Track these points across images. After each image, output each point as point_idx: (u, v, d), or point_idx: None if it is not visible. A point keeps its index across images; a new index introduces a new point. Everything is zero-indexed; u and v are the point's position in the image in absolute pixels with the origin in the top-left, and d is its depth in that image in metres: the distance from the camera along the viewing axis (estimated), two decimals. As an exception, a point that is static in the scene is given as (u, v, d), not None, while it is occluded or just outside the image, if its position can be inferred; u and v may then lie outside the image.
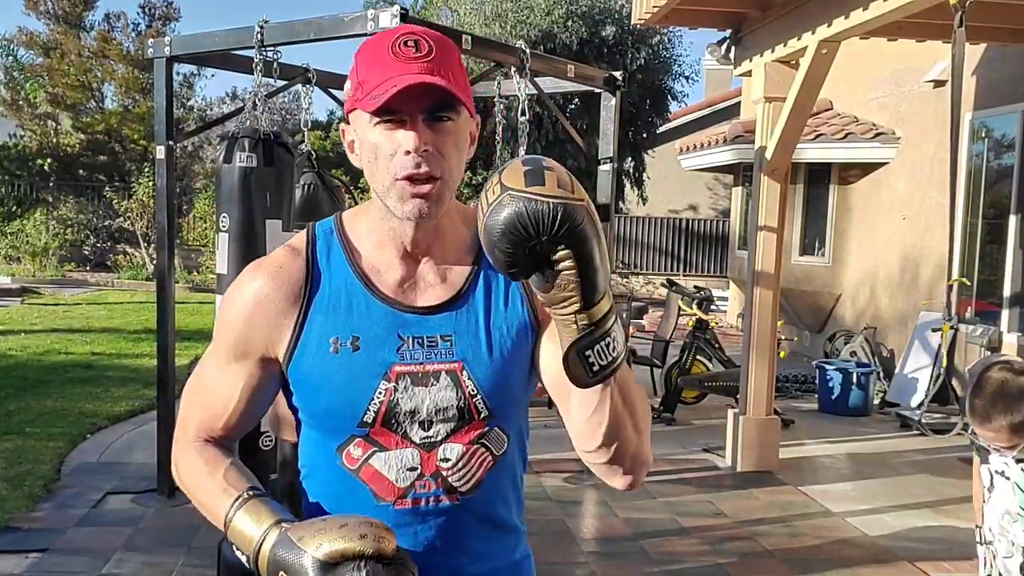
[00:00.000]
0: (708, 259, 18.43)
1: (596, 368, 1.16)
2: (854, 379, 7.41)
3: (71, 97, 18.50)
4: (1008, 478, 2.40)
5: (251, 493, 1.28)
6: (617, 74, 5.74)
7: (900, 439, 6.76)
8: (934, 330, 7.29)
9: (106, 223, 17.66)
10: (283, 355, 1.32)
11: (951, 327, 6.98)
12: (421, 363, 1.29)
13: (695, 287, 9.11)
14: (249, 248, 4.08)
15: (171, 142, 4.90)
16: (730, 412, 6.02)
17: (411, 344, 1.30)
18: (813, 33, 5.12)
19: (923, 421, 6.90)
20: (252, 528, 1.23)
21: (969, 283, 7.50)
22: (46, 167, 18.08)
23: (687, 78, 17.85)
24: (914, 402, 7.36)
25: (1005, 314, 7.07)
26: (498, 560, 1.38)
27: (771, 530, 4.75)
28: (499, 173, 1.14)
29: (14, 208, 17.61)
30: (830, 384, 7.50)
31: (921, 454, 6.34)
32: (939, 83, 7.91)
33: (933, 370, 7.27)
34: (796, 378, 8.61)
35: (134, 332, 10.40)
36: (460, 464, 1.31)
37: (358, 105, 1.25)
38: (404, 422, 1.29)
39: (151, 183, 14.00)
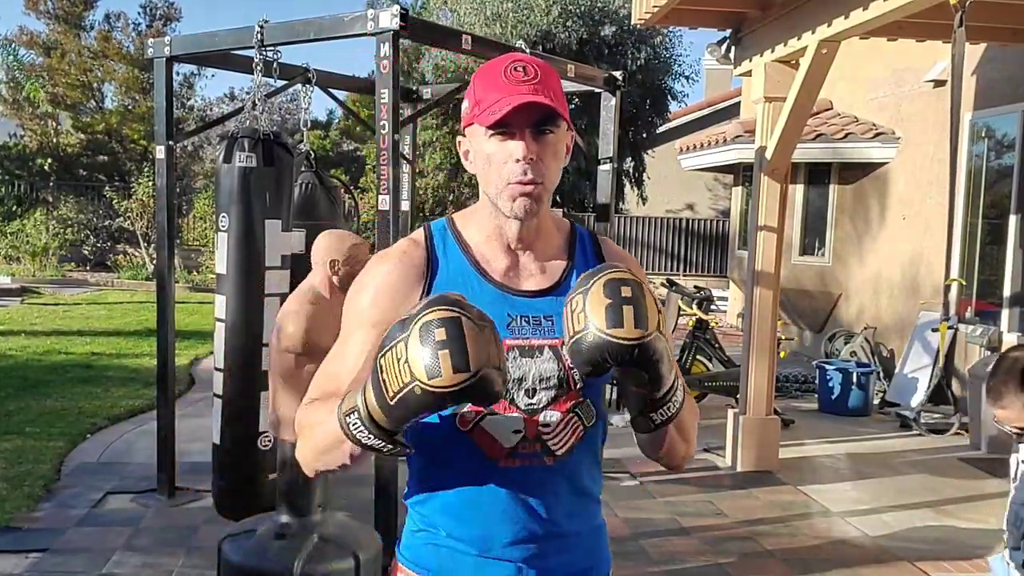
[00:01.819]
0: (708, 259, 18.43)
1: (658, 422, 1.40)
2: (854, 379, 7.40)
3: (71, 97, 18.50)
4: None
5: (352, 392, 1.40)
6: (617, 74, 5.74)
7: (900, 439, 6.76)
8: (934, 330, 7.29)
9: (106, 223, 17.66)
10: None
11: (949, 327, 6.98)
12: (527, 338, 1.48)
13: (695, 287, 9.10)
14: (248, 248, 4.09)
15: (171, 142, 4.90)
16: (730, 412, 6.02)
17: (519, 322, 1.49)
18: (813, 33, 5.12)
19: (922, 421, 6.90)
20: (356, 393, 1.31)
21: (966, 283, 7.50)
22: (46, 167, 18.08)
23: (687, 78, 17.85)
24: (914, 402, 7.36)
25: (1005, 314, 7.06)
26: (584, 523, 1.56)
27: (771, 530, 4.75)
28: (583, 295, 1.32)
29: (14, 208, 17.61)
30: (830, 384, 7.50)
31: (921, 454, 6.34)
32: (939, 83, 7.91)
33: (933, 370, 7.28)
34: (796, 378, 8.61)
35: (134, 332, 10.40)
36: (558, 430, 1.48)
37: (476, 120, 1.47)
38: (512, 389, 1.46)
39: (151, 183, 14.01)
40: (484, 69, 1.50)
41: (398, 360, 1.23)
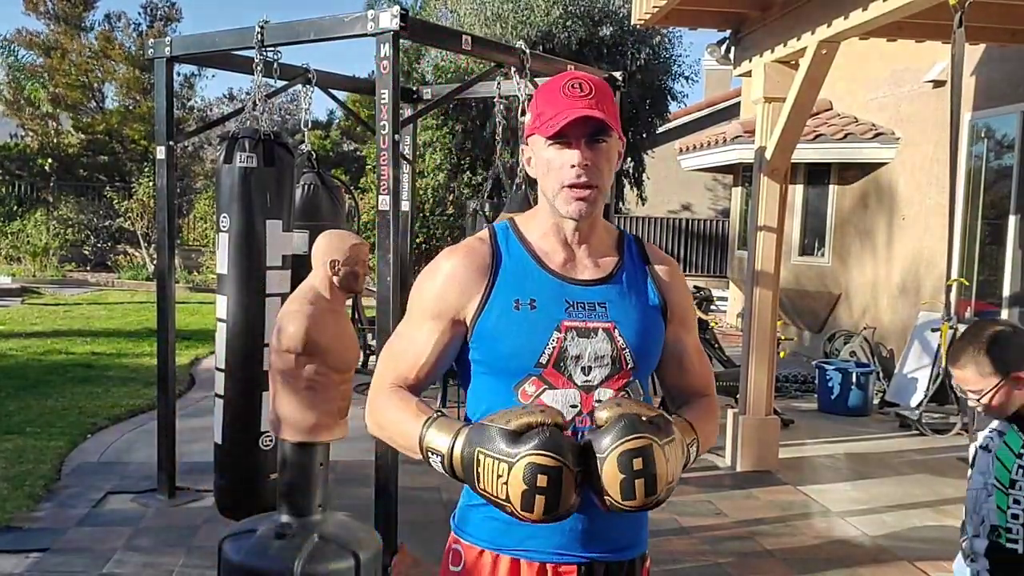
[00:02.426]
0: (708, 259, 18.44)
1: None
2: (854, 379, 7.41)
3: (72, 97, 18.51)
4: (990, 451, 2.40)
5: (440, 413, 1.61)
6: (617, 74, 5.74)
7: (900, 439, 6.76)
8: (933, 330, 7.29)
9: (106, 223, 17.66)
10: (471, 316, 1.66)
11: (950, 327, 6.98)
12: (584, 320, 1.65)
13: (695, 287, 9.12)
14: (249, 248, 4.09)
15: (171, 142, 4.91)
16: (730, 412, 6.02)
17: (576, 307, 1.66)
18: (813, 33, 5.12)
19: (922, 421, 6.90)
20: (444, 436, 1.55)
21: (968, 283, 7.51)
22: (47, 167, 18.09)
23: (687, 78, 17.82)
24: (914, 402, 7.36)
25: (1005, 314, 7.07)
26: (631, 550, 1.72)
27: (771, 530, 4.76)
28: (601, 464, 1.49)
29: (15, 208, 17.62)
30: (830, 384, 7.50)
31: (921, 454, 6.34)
32: (939, 83, 7.91)
33: (932, 370, 7.28)
34: (796, 378, 8.61)
35: (134, 332, 10.40)
36: None
37: (537, 131, 1.65)
38: (570, 366, 1.63)
39: (151, 183, 14.01)
40: (546, 86, 1.70)
41: (499, 477, 1.46)
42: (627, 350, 1.66)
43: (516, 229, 1.75)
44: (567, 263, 1.70)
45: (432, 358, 1.71)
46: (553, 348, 1.62)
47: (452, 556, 1.73)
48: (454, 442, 1.52)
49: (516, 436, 1.45)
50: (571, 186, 1.62)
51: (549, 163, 1.64)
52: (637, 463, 1.46)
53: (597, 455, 1.48)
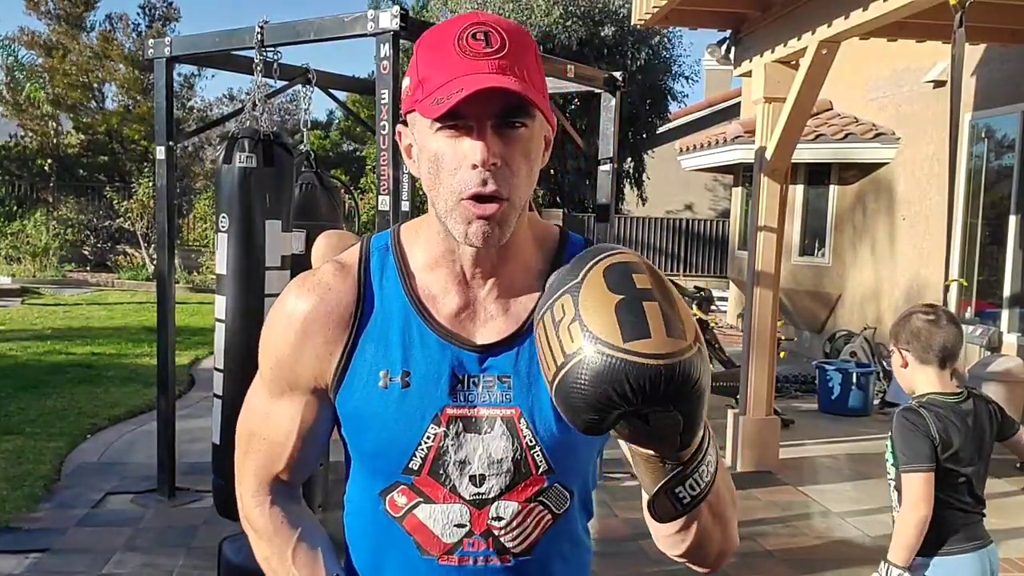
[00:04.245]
0: (708, 259, 18.43)
1: (687, 501, 1.01)
2: (854, 379, 7.41)
3: (72, 97, 18.49)
4: None
5: None
6: (617, 74, 5.73)
7: (900, 439, 6.75)
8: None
9: (106, 223, 17.65)
10: (330, 385, 1.18)
11: (951, 327, 6.96)
12: (475, 406, 1.14)
13: (695, 287, 9.11)
14: (249, 248, 4.08)
15: (171, 142, 4.91)
16: (730, 412, 6.02)
17: (466, 384, 1.14)
18: (813, 33, 5.12)
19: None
20: None
21: (967, 283, 7.50)
22: (47, 167, 18.08)
23: (687, 78, 17.89)
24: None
25: (1005, 314, 7.07)
26: None
27: (771, 530, 4.76)
28: (572, 294, 0.95)
29: (15, 208, 17.61)
30: (830, 384, 7.50)
31: (921, 454, 6.33)
32: (939, 83, 7.91)
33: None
34: (796, 378, 8.61)
35: (134, 332, 10.40)
36: (514, 524, 1.16)
37: (417, 107, 1.09)
38: (453, 474, 1.14)
39: (151, 183, 13.99)
40: (431, 34, 1.10)
41: None
42: (536, 449, 1.14)
43: (399, 251, 1.20)
44: (461, 312, 1.16)
45: (300, 443, 1.23)
46: (428, 449, 1.13)
47: None
48: None
49: None
50: (471, 198, 1.06)
51: (438, 160, 1.08)
52: (640, 280, 0.95)
53: (562, 292, 0.97)
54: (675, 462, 0.99)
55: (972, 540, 2.46)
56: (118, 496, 4.93)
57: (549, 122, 1.13)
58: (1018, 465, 6.07)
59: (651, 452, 0.99)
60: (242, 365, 4.10)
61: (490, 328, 1.16)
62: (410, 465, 1.14)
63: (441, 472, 1.14)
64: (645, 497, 1.04)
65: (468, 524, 1.15)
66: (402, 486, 1.16)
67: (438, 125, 1.06)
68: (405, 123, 1.16)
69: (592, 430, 0.96)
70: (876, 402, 7.70)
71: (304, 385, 1.20)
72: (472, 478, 1.14)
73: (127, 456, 5.71)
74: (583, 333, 0.91)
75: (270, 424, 1.24)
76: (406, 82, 1.13)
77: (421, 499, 1.16)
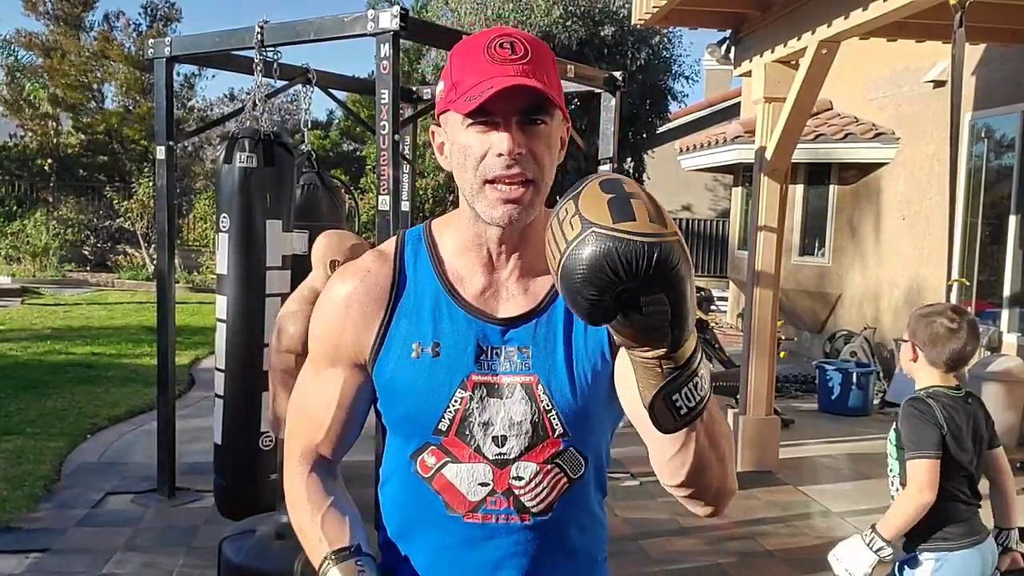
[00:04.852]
0: (708, 259, 18.43)
1: (684, 412, 1.09)
2: (854, 379, 7.41)
3: (71, 97, 18.49)
4: None
5: (335, 557, 1.30)
6: (617, 74, 5.74)
7: (900, 439, 6.75)
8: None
9: (106, 223, 17.65)
10: (368, 359, 1.33)
11: (951, 327, 6.96)
12: (497, 374, 1.28)
13: (695, 287, 9.10)
14: (249, 248, 4.09)
15: (171, 142, 4.91)
16: (730, 412, 6.02)
17: (490, 354, 1.29)
18: (813, 33, 5.12)
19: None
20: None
21: (968, 283, 7.50)
22: (46, 167, 18.08)
23: (687, 78, 17.82)
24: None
25: (1005, 314, 7.07)
26: None
27: (771, 530, 4.76)
28: (574, 199, 1.05)
29: (15, 208, 17.61)
30: (830, 384, 7.50)
31: (921, 454, 6.33)
32: (939, 83, 7.91)
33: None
34: (796, 378, 8.61)
35: (134, 332, 10.40)
36: (533, 483, 1.29)
37: (451, 106, 1.24)
38: (477, 435, 1.27)
39: (151, 183, 14.00)
40: (463, 44, 1.28)
41: None
42: (553, 412, 1.27)
43: (430, 240, 1.36)
44: (486, 291, 1.31)
45: (341, 415, 1.36)
46: (455, 412, 1.27)
47: None
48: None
49: None
50: (496, 180, 1.22)
51: (467, 150, 1.23)
52: (629, 186, 1.05)
53: (567, 199, 1.06)
54: (671, 364, 1.06)
55: (973, 534, 2.51)
56: (118, 496, 4.93)
57: (566, 122, 1.29)
58: (1018, 465, 6.08)
59: (648, 353, 1.06)
60: (243, 365, 4.11)
61: (511, 305, 1.31)
62: (439, 426, 1.29)
63: (467, 433, 1.28)
64: (646, 417, 1.12)
65: (491, 483, 1.28)
66: (432, 447, 1.30)
67: (469, 121, 1.22)
68: (438, 124, 1.32)
69: (595, 314, 1.04)
70: (876, 402, 7.70)
71: (345, 359, 1.34)
72: (495, 439, 1.27)
73: (127, 456, 5.71)
74: (581, 222, 1.02)
75: (314, 397, 1.38)
76: (440, 86, 1.29)
77: (448, 459, 1.29)
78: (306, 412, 1.40)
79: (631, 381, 1.13)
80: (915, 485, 2.42)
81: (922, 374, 2.58)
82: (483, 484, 1.28)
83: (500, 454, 1.28)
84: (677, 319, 1.04)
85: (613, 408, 1.33)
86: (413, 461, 1.31)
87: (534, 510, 1.29)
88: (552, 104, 1.23)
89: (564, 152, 1.30)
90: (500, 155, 1.21)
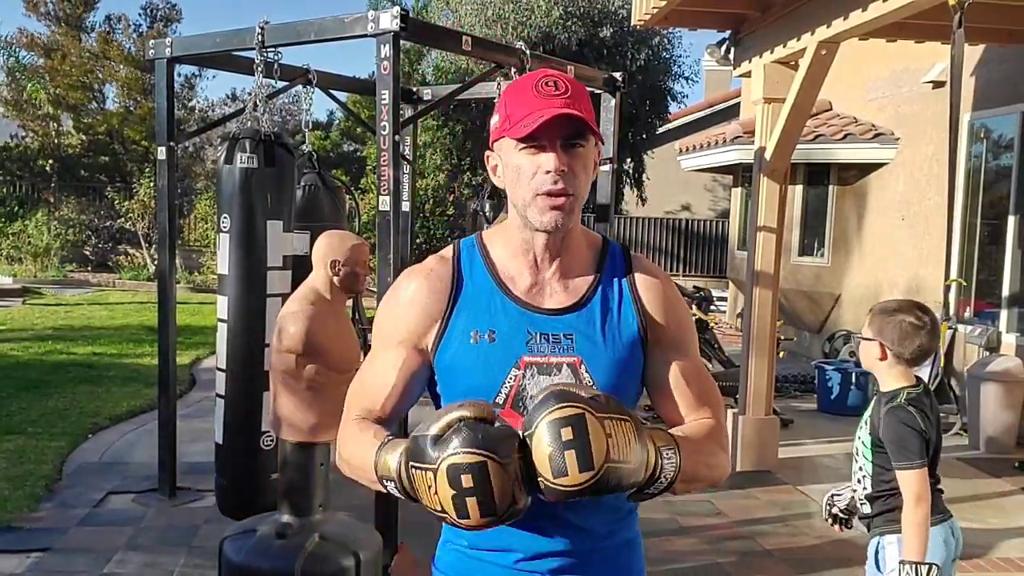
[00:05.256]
0: (707, 259, 18.43)
1: (655, 494, 1.44)
2: (853, 379, 7.42)
3: (72, 98, 18.50)
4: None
5: (390, 438, 1.46)
6: (617, 75, 5.75)
7: (899, 439, 6.76)
8: (933, 330, 7.29)
9: (107, 224, 17.68)
10: (431, 345, 1.54)
11: (949, 327, 6.99)
12: (546, 356, 1.51)
13: (694, 287, 9.12)
14: (250, 249, 4.10)
15: (172, 143, 4.92)
16: (729, 412, 6.03)
17: (538, 339, 1.52)
18: (812, 34, 5.13)
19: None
20: (393, 458, 1.40)
21: (966, 283, 7.51)
22: (48, 168, 18.10)
23: (687, 79, 17.85)
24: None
25: (1004, 314, 7.08)
26: (614, 536, 1.59)
27: (771, 530, 4.77)
28: (531, 440, 1.32)
29: (16, 209, 17.62)
30: (829, 384, 7.51)
31: (920, 454, 6.34)
32: (938, 84, 7.92)
33: (932, 370, 7.28)
34: (795, 378, 8.62)
35: (135, 332, 10.41)
36: None
37: (506, 134, 1.50)
38: (530, 407, 1.41)
39: (152, 184, 14.02)
40: (515, 84, 1.55)
41: (429, 488, 1.32)
42: (595, 387, 1.47)
43: (483, 247, 1.60)
44: (533, 288, 1.55)
45: (399, 387, 1.56)
46: (510, 387, 1.50)
47: None
48: (399, 462, 1.38)
49: (437, 440, 1.32)
50: (546, 194, 1.46)
51: (520, 170, 1.48)
52: (566, 432, 1.29)
53: (526, 434, 1.33)
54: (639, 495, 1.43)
55: (940, 512, 2.75)
56: (119, 495, 4.94)
57: (598, 146, 1.54)
58: (1016, 465, 6.09)
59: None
60: (244, 365, 4.12)
61: (555, 299, 1.55)
62: (497, 400, 1.50)
63: (520, 405, 1.49)
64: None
65: None
66: None
67: (522, 145, 1.47)
68: (492, 150, 1.57)
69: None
70: (876, 402, 7.70)
71: (408, 340, 1.56)
72: None
73: (128, 456, 5.72)
74: (539, 469, 1.32)
75: (375, 370, 1.59)
76: (495, 119, 1.56)
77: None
78: (366, 385, 1.60)
79: (659, 368, 1.56)
80: (912, 497, 2.55)
81: (891, 373, 2.65)
82: None
83: None
84: (630, 493, 1.40)
85: (639, 386, 1.60)
86: None
87: None
88: (589, 130, 1.47)
89: (597, 171, 1.57)
90: (548, 172, 1.46)
